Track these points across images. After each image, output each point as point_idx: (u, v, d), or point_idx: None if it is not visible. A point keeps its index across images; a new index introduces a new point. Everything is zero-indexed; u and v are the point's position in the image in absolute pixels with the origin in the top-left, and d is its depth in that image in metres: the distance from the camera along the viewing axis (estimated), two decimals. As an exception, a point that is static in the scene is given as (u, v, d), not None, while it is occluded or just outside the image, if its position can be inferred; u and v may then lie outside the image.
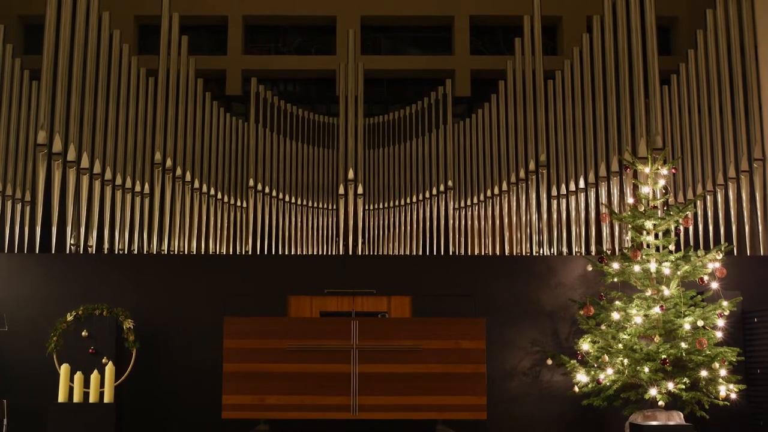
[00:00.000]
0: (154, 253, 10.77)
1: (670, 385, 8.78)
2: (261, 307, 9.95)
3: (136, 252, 10.77)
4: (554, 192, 11.09)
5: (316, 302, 10.17)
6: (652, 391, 8.79)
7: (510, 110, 11.41)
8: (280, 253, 10.99)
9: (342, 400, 8.62)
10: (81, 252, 10.62)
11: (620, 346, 9.08)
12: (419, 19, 13.11)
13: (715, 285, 9.30)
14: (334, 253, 11.04)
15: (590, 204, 11.03)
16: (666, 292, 9.16)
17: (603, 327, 9.40)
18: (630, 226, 9.61)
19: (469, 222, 11.13)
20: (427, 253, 11.05)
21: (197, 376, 9.99)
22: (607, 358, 9.09)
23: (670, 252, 9.39)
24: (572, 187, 11.09)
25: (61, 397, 9.18)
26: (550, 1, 12.30)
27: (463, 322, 8.85)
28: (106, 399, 9.23)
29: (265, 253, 10.97)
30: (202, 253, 10.89)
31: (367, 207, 11.15)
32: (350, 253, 10.91)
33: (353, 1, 12.89)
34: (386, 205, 11.22)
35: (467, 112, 12.39)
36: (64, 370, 9.26)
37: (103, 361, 9.47)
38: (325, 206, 11.18)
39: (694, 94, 11.34)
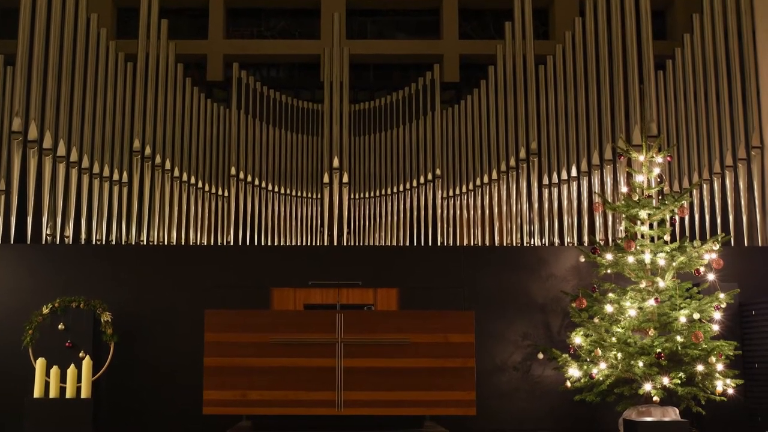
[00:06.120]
0: (133, 243, 10.62)
1: (665, 380, 8.66)
2: (243, 300, 9.83)
3: (114, 242, 10.61)
4: (546, 181, 10.98)
5: (300, 294, 10.05)
6: (647, 386, 8.68)
7: (500, 96, 11.29)
8: (262, 243, 10.85)
9: (327, 396, 8.47)
10: (57, 242, 10.47)
11: (614, 339, 8.95)
12: (406, 3, 13.00)
13: (711, 276, 9.20)
14: (318, 244, 10.91)
15: (583, 193, 10.91)
16: (661, 283, 9.04)
17: (596, 320, 9.26)
18: (624, 215, 9.48)
19: (458, 211, 11.02)
20: (415, 244, 10.92)
21: (177, 370, 9.84)
22: (600, 352, 8.97)
23: (665, 242, 9.27)
24: (564, 175, 10.97)
25: (37, 393, 8.99)
26: (541, -17, 12.23)
27: (451, 315, 8.71)
28: (83, 394, 9.05)
29: (248, 243, 10.82)
30: (183, 243, 10.75)
31: (352, 196, 11.03)
32: (335, 243, 10.77)
33: (338, -16, 12.76)
34: (372, 194, 11.09)
35: (456, 99, 12.25)
36: (39, 364, 9.07)
37: (80, 355, 9.30)
38: (310, 195, 11.06)
39: (690, 79, 11.21)
